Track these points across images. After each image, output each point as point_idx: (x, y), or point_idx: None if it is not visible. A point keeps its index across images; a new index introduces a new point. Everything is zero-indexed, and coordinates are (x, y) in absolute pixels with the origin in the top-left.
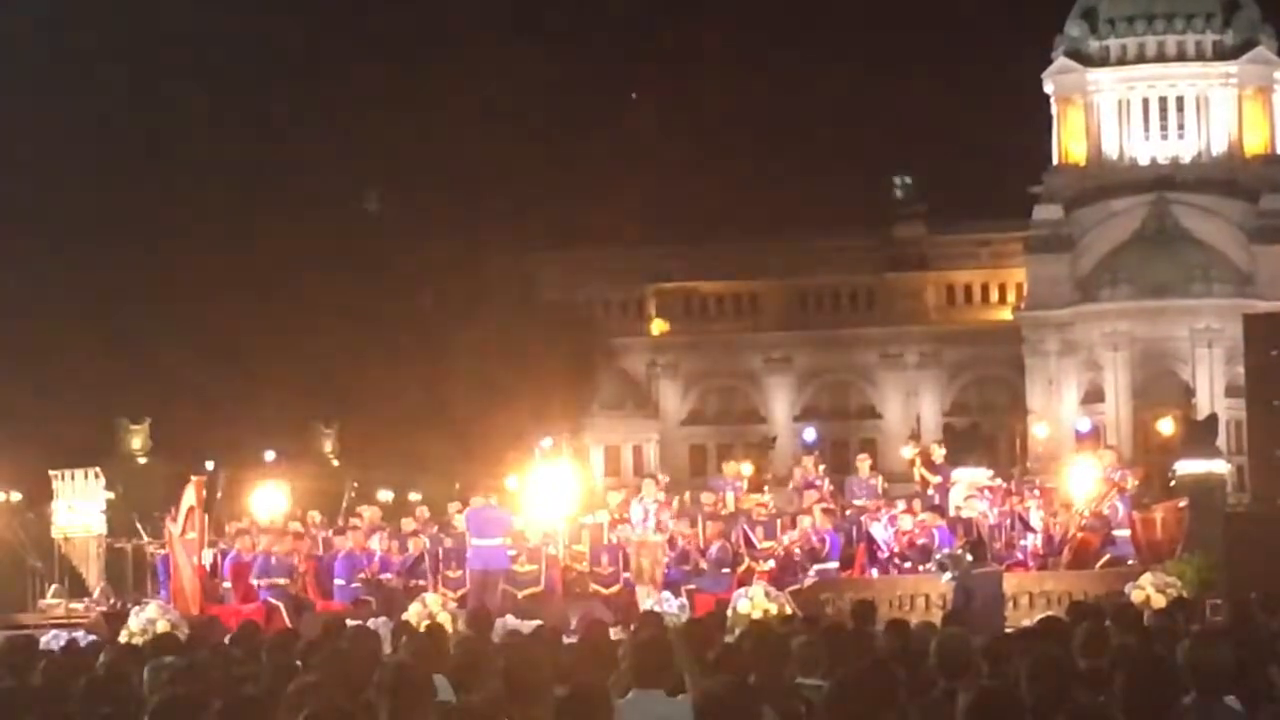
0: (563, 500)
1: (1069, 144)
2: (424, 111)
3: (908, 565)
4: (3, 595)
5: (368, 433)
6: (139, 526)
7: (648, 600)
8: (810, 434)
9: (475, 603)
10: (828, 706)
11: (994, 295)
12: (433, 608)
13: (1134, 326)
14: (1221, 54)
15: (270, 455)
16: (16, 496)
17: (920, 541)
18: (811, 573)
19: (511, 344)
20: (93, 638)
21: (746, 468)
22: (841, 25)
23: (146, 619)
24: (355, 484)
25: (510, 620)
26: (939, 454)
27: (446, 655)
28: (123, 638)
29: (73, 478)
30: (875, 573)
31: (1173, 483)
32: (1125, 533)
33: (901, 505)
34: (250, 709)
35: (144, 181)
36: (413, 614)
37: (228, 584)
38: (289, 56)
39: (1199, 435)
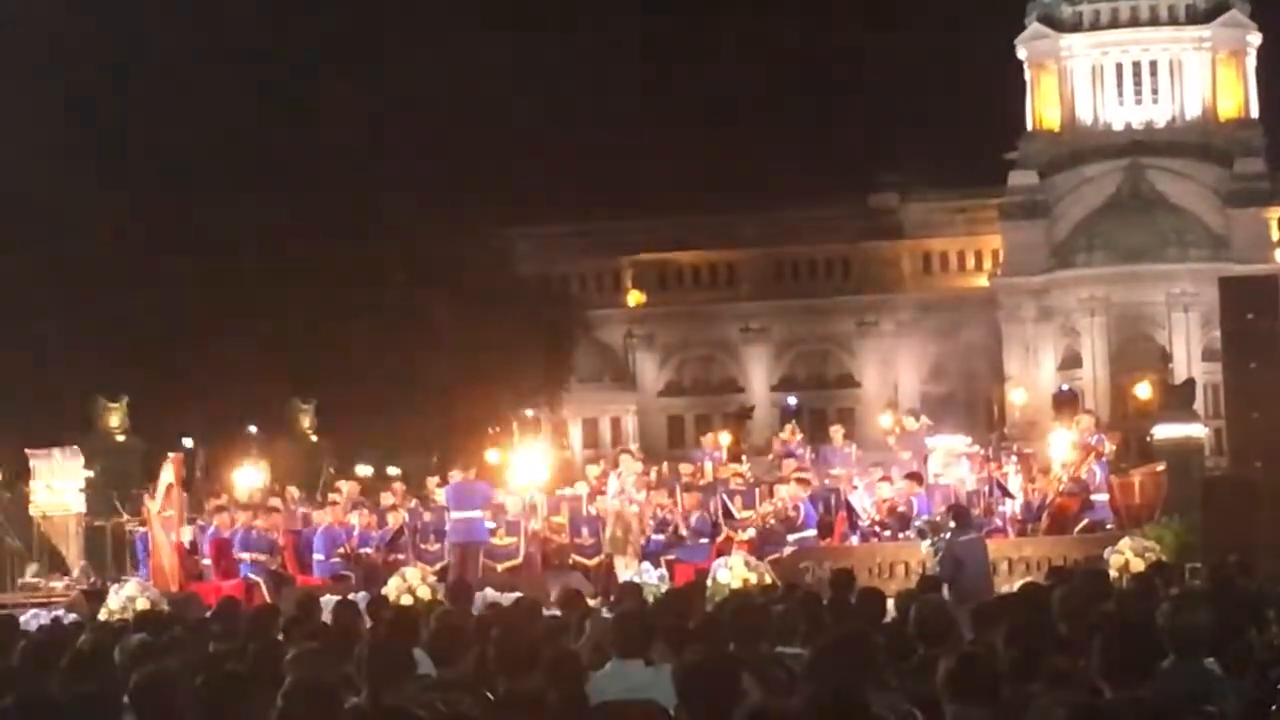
0: (538, 470)
1: (1043, 110)
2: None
3: (887, 533)
4: None
5: (346, 408)
6: (118, 504)
7: (627, 571)
8: (791, 399)
9: (455, 576)
10: (808, 675)
11: (970, 262)
12: (412, 582)
13: (1110, 292)
14: (1194, 18)
15: (253, 429)
16: None
17: (900, 509)
18: (790, 541)
19: (488, 318)
20: (73, 616)
21: (725, 438)
22: None
23: (126, 597)
24: (334, 461)
25: (490, 593)
26: (911, 423)
27: (426, 629)
28: (102, 616)
29: (50, 456)
30: (855, 541)
31: (1151, 447)
32: (1103, 497)
33: (878, 473)
34: (232, 684)
35: (119, 159)
36: (392, 588)
37: (207, 561)
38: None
39: (1176, 399)
